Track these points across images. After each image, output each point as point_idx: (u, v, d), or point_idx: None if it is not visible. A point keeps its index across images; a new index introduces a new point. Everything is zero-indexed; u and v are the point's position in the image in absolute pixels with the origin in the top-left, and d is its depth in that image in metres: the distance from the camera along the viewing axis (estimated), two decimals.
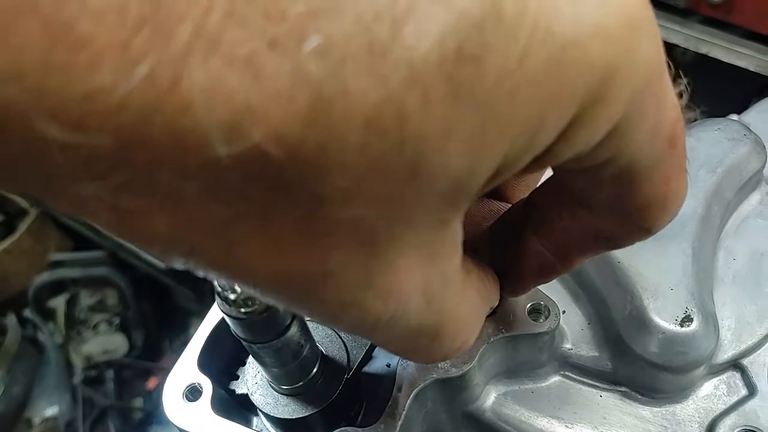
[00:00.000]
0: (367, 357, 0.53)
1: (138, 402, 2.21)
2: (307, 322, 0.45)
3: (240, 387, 0.53)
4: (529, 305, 0.50)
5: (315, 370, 0.48)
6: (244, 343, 0.41)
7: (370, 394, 0.54)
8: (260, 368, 0.49)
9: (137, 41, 0.16)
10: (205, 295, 2.13)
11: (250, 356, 0.50)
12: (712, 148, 0.59)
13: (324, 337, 0.52)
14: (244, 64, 0.17)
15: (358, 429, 0.46)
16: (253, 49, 0.17)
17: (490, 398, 0.53)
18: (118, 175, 0.18)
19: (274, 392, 0.49)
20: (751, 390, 0.53)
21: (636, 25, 0.22)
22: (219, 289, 0.37)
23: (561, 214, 0.32)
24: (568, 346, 0.55)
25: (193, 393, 0.50)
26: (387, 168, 0.19)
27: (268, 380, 0.49)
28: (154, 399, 2.19)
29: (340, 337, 0.52)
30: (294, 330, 0.41)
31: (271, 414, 0.49)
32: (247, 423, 0.53)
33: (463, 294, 0.29)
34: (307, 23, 0.17)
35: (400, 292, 0.24)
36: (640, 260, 0.52)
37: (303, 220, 0.20)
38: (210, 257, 0.21)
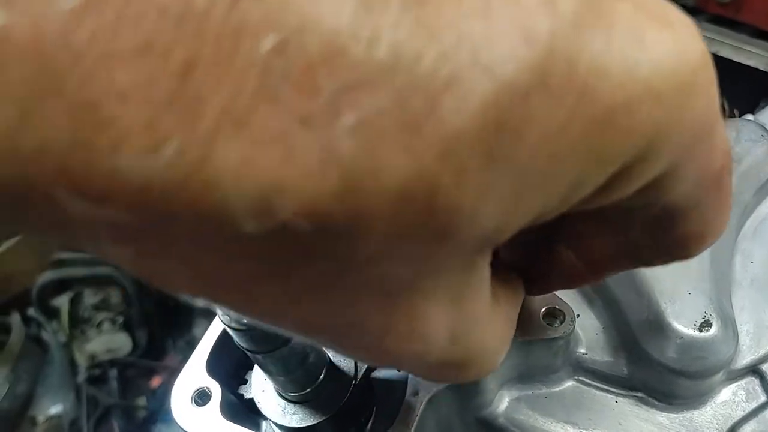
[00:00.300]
0: None
1: (142, 401, 2.21)
2: None
3: (249, 391, 0.52)
4: (543, 309, 0.49)
5: (322, 377, 0.47)
6: (247, 352, 0.40)
7: (381, 399, 0.53)
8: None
9: (164, 121, 0.16)
10: None
11: None
12: None
13: None
14: (274, 142, 0.16)
15: None
16: (284, 127, 0.16)
17: (503, 403, 0.53)
18: (140, 244, 0.18)
19: (282, 399, 0.48)
20: None
21: (691, 84, 0.21)
22: None
23: (599, 234, 0.32)
24: (582, 350, 0.54)
25: (201, 397, 0.49)
26: (416, 235, 0.18)
27: (275, 387, 0.48)
28: (157, 398, 2.19)
29: None
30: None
31: (279, 423, 0.48)
32: (257, 427, 0.53)
33: (491, 326, 0.29)
34: (341, 98, 0.16)
35: (424, 335, 0.23)
36: None
37: (327, 278, 0.19)
38: (231, 305, 0.21)
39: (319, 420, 0.48)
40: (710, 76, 0.22)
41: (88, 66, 0.16)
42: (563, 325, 0.49)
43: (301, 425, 0.47)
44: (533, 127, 0.18)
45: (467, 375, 0.28)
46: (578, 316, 0.54)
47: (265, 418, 0.52)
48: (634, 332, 0.51)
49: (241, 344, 0.40)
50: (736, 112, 0.29)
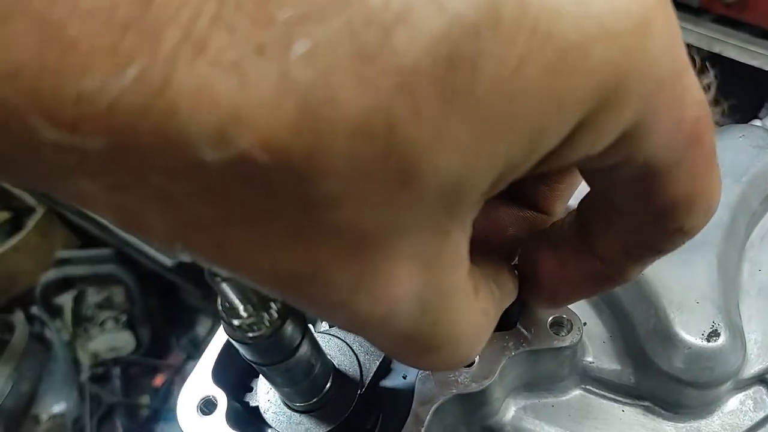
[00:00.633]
0: (382, 369, 0.52)
1: (145, 399, 2.21)
2: (317, 339, 0.44)
3: (254, 399, 0.52)
4: (551, 318, 0.49)
5: (328, 387, 0.47)
6: (253, 364, 0.40)
7: (386, 407, 0.53)
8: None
9: (126, 44, 0.17)
10: (211, 292, 2.13)
11: None
12: (736, 156, 0.58)
13: (336, 350, 0.51)
14: (231, 70, 0.17)
15: None
16: (240, 55, 0.17)
17: (509, 412, 0.52)
18: (110, 174, 0.19)
19: (287, 409, 0.48)
20: None
21: (648, 24, 0.21)
22: (223, 314, 0.36)
23: (601, 221, 0.31)
24: (589, 359, 0.53)
25: (207, 406, 0.49)
26: (377, 174, 0.19)
27: (280, 397, 0.48)
28: (161, 396, 2.20)
29: (353, 350, 0.51)
30: (304, 349, 0.40)
31: None
32: None
33: (465, 311, 0.28)
34: (295, 29, 0.17)
35: (391, 296, 0.23)
36: (664, 272, 0.51)
37: (291, 222, 0.20)
38: (205, 252, 0.21)
39: (325, 429, 0.47)
40: (668, 16, 0.22)
41: None
42: (570, 334, 0.49)
43: None
44: (486, 65, 0.18)
45: (435, 359, 0.28)
46: (585, 324, 0.54)
47: (271, 427, 0.52)
48: (641, 341, 0.51)
49: (247, 357, 0.40)
50: (708, 65, 0.28)
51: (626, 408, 0.53)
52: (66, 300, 2.27)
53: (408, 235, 0.21)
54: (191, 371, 0.51)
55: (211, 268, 0.23)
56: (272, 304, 0.37)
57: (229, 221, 0.20)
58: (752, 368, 0.52)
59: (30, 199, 2.21)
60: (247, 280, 0.23)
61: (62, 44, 0.16)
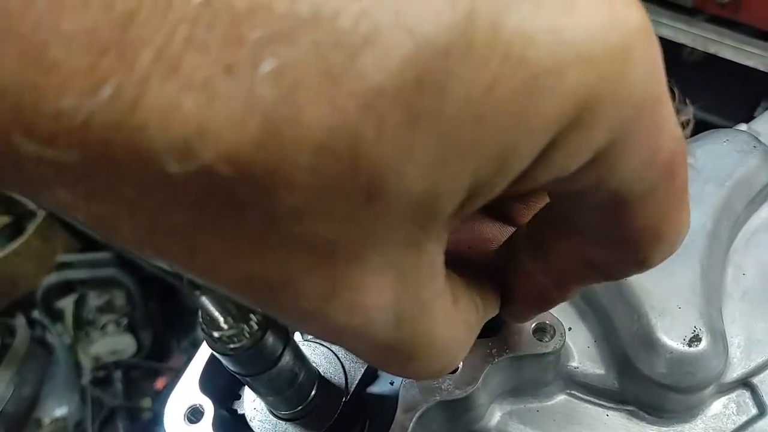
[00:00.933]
0: (367, 377, 0.53)
1: (146, 402, 2.21)
2: (302, 347, 0.45)
3: (242, 407, 0.52)
4: (534, 324, 0.50)
5: (313, 394, 0.47)
6: (237, 375, 0.41)
7: (373, 413, 0.53)
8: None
9: (102, 65, 0.18)
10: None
11: None
12: (720, 161, 0.58)
13: (321, 358, 0.51)
14: (199, 88, 0.18)
15: None
16: (209, 74, 0.18)
17: (494, 418, 0.53)
18: (85, 185, 0.20)
19: (273, 417, 0.49)
20: (762, 409, 0.52)
21: (627, 50, 0.21)
22: (204, 326, 0.36)
23: (557, 239, 0.31)
24: (574, 364, 0.54)
25: (194, 414, 0.50)
26: (342, 189, 0.19)
27: (266, 405, 0.49)
28: (162, 399, 2.20)
29: (338, 358, 0.51)
30: (286, 359, 0.41)
31: None
32: None
33: (444, 321, 0.28)
34: (263, 48, 0.18)
35: (366, 307, 0.24)
36: (647, 277, 0.52)
37: (259, 232, 0.20)
38: (175, 259, 0.22)
39: None
40: (648, 43, 0.22)
41: (39, 11, 0.18)
42: (553, 340, 0.49)
43: None
44: (455, 88, 0.19)
45: (414, 368, 0.28)
46: (570, 329, 0.54)
47: None
48: (624, 346, 0.51)
49: (230, 367, 0.40)
50: (688, 102, 0.28)
51: (611, 412, 0.53)
52: (67, 304, 2.27)
53: (378, 247, 0.22)
54: None
55: (184, 274, 0.24)
56: (252, 316, 0.38)
57: (198, 229, 0.20)
58: (735, 372, 0.53)
59: (31, 204, 2.21)
60: (220, 288, 0.23)
61: (43, 65, 0.18)
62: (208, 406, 0.49)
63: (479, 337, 0.47)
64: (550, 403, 0.54)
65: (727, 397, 0.53)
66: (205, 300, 0.35)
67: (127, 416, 2.17)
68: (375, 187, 0.19)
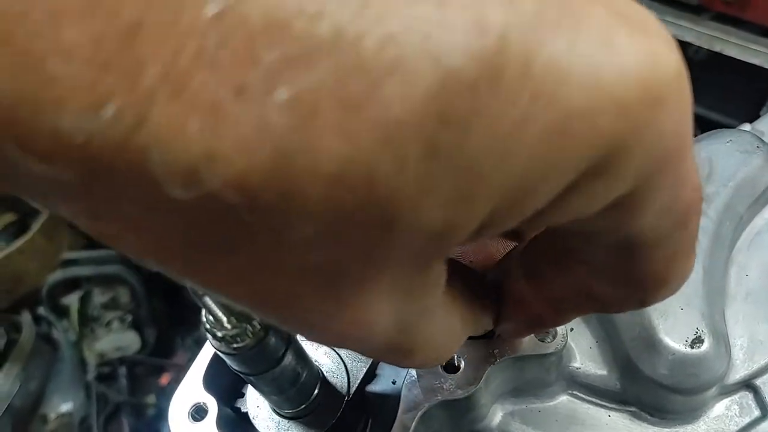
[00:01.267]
0: (370, 375, 0.53)
1: (151, 398, 2.23)
2: (304, 346, 0.45)
3: (245, 405, 0.53)
4: None
5: (315, 393, 0.47)
6: (240, 374, 0.41)
7: (375, 412, 0.53)
8: None
9: (104, 82, 0.16)
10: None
11: None
12: (723, 161, 0.58)
13: (324, 357, 0.51)
14: (207, 110, 0.16)
15: None
16: (218, 96, 0.16)
17: (496, 417, 0.53)
18: (84, 201, 0.19)
19: (276, 416, 0.49)
20: (765, 411, 0.52)
21: (661, 98, 0.19)
22: (207, 326, 0.37)
23: (558, 269, 0.31)
24: (576, 364, 0.54)
25: (198, 412, 0.50)
26: (354, 221, 0.18)
27: (269, 404, 0.49)
28: (167, 395, 2.20)
29: (340, 357, 0.51)
30: (289, 359, 0.41)
31: None
32: None
33: (441, 321, 0.29)
34: (279, 72, 0.16)
35: (370, 323, 0.23)
36: None
37: (266, 256, 0.20)
38: (179, 272, 0.21)
39: None
40: (683, 92, 0.21)
41: (35, 21, 0.16)
42: (555, 341, 0.49)
43: None
44: (480, 124, 0.17)
45: (412, 362, 0.29)
46: (572, 330, 0.54)
47: None
48: (626, 348, 0.51)
49: (233, 367, 0.40)
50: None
51: (613, 413, 0.53)
52: (72, 300, 2.28)
53: (388, 271, 0.21)
54: None
55: (185, 284, 0.24)
56: None
57: (203, 249, 0.20)
58: (738, 374, 0.53)
59: None
60: (223, 299, 0.23)
61: (40, 79, 0.16)
62: (212, 405, 0.50)
63: (481, 337, 0.47)
64: (552, 403, 0.54)
65: (729, 398, 0.53)
66: (208, 300, 0.36)
67: (132, 412, 2.18)
68: (390, 220, 0.18)
